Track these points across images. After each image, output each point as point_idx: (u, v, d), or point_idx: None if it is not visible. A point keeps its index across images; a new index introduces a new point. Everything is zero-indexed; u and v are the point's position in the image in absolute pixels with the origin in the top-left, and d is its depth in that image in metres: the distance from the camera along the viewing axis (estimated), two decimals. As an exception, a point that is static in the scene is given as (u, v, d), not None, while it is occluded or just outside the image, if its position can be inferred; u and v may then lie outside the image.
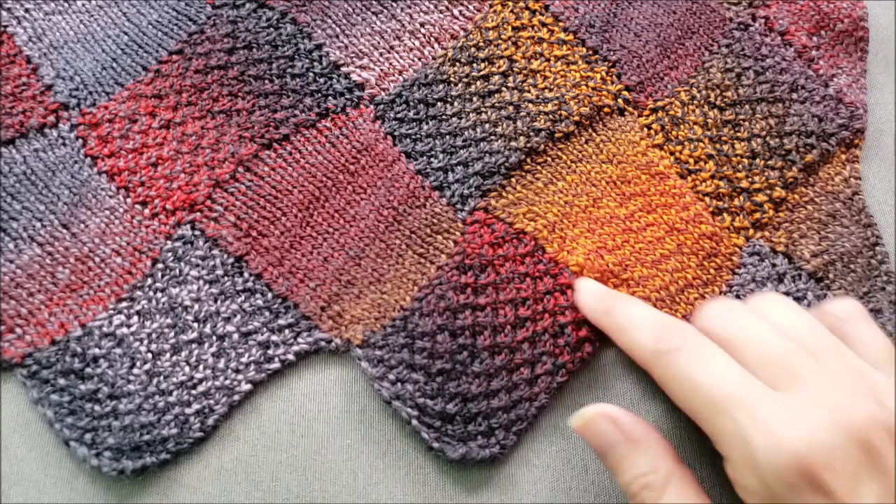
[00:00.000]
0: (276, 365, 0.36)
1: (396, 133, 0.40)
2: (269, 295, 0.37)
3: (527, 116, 0.40)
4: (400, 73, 0.41)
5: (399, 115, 0.40)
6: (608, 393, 0.37)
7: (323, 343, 0.37)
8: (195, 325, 0.36)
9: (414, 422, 0.35)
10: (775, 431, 0.28)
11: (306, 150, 0.39)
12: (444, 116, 0.40)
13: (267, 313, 0.37)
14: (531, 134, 0.40)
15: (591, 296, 0.36)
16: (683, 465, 0.31)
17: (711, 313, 0.33)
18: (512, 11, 0.42)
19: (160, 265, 0.37)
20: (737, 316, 0.33)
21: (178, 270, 0.37)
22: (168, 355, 0.35)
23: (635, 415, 0.32)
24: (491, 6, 0.42)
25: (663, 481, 0.30)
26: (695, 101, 0.42)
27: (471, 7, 0.42)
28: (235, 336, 0.36)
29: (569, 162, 0.40)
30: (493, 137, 0.40)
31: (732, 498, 0.31)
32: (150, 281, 0.37)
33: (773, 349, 0.31)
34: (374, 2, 0.42)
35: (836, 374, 0.30)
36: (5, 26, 0.40)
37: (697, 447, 0.36)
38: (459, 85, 0.41)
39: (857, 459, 0.28)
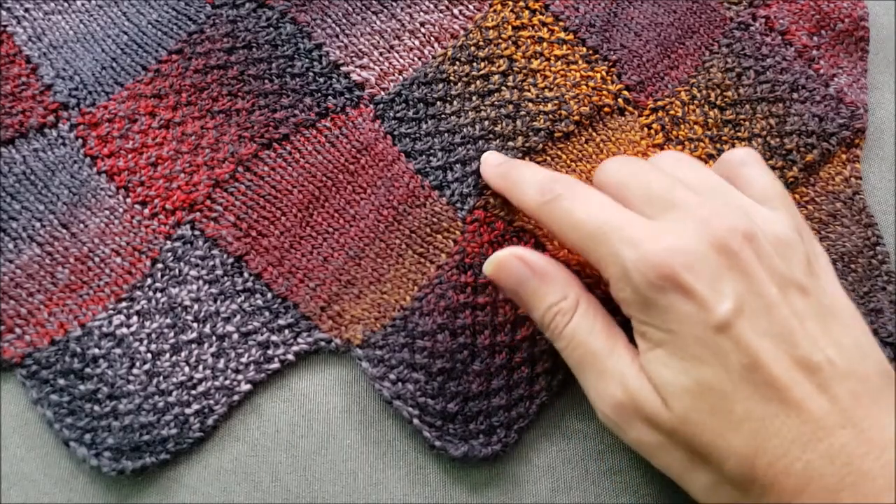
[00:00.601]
0: (275, 365, 0.36)
1: (396, 132, 0.40)
2: (269, 295, 0.37)
3: (526, 116, 0.40)
4: (400, 72, 0.41)
5: (399, 115, 0.40)
6: (609, 393, 0.37)
7: (323, 343, 0.36)
8: (195, 325, 0.36)
9: (415, 421, 0.35)
10: (641, 243, 0.30)
11: (306, 149, 0.39)
12: (443, 115, 0.40)
13: (267, 313, 0.37)
14: (530, 133, 0.40)
15: (491, 165, 0.38)
16: (589, 293, 0.34)
17: (605, 166, 0.35)
18: (512, 11, 0.42)
19: (160, 265, 0.37)
20: (627, 165, 0.34)
21: (177, 270, 0.37)
22: (168, 355, 0.35)
23: (538, 252, 0.34)
24: (491, 6, 0.42)
25: (572, 306, 0.33)
26: (695, 101, 0.42)
27: (471, 6, 0.42)
28: (235, 336, 0.36)
29: (569, 161, 0.40)
30: (492, 136, 0.40)
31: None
32: (149, 281, 0.37)
33: (655, 186, 0.33)
34: (374, 1, 0.42)
35: (713, 202, 0.32)
36: (5, 26, 0.40)
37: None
38: (459, 84, 0.41)
39: (716, 262, 0.30)
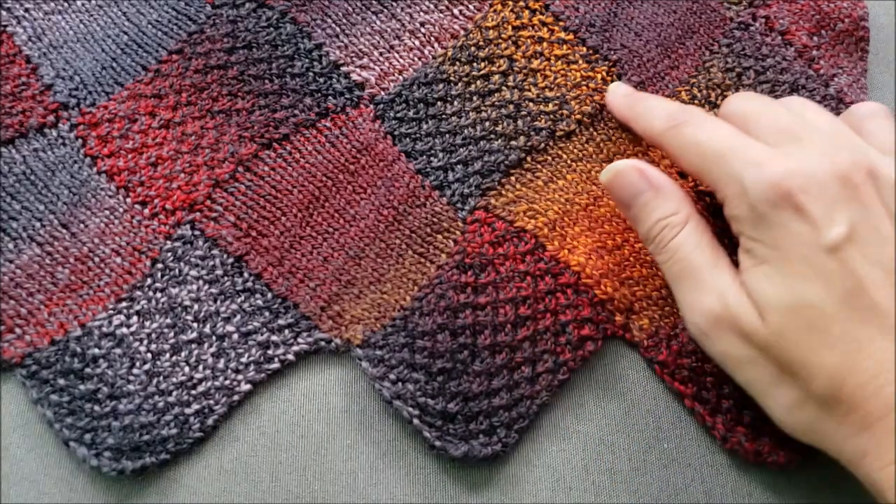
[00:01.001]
0: (275, 365, 0.36)
1: (396, 132, 0.40)
2: (269, 295, 0.37)
3: (527, 116, 0.40)
4: (400, 72, 0.41)
5: (399, 115, 0.40)
6: (608, 392, 0.37)
7: (323, 343, 0.36)
8: (195, 325, 0.36)
9: (415, 421, 0.35)
10: (762, 164, 0.31)
11: (306, 149, 0.39)
12: (443, 115, 0.40)
13: (267, 313, 0.37)
14: (531, 133, 0.40)
15: (618, 94, 0.40)
16: (702, 214, 0.35)
17: (733, 99, 0.36)
18: (512, 11, 0.42)
19: (160, 265, 0.37)
20: (755, 100, 0.35)
21: (177, 270, 0.37)
22: (168, 355, 0.35)
23: (659, 170, 0.35)
24: (491, 5, 0.42)
25: (682, 220, 0.34)
26: (696, 101, 0.42)
27: (471, 6, 0.42)
28: (235, 336, 0.36)
29: (569, 161, 0.40)
30: (493, 136, 0.40)
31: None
32: (149, 281, 0.37)
33: (783, 120, 0.33)
34: (374, 1, 0.42)
35: (832, 139, 0.32)
36: (5, 26, 0.40)
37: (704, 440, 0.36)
38: (459, 84, 0.41)
39: (835, 190, 0.30)
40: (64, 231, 0.37)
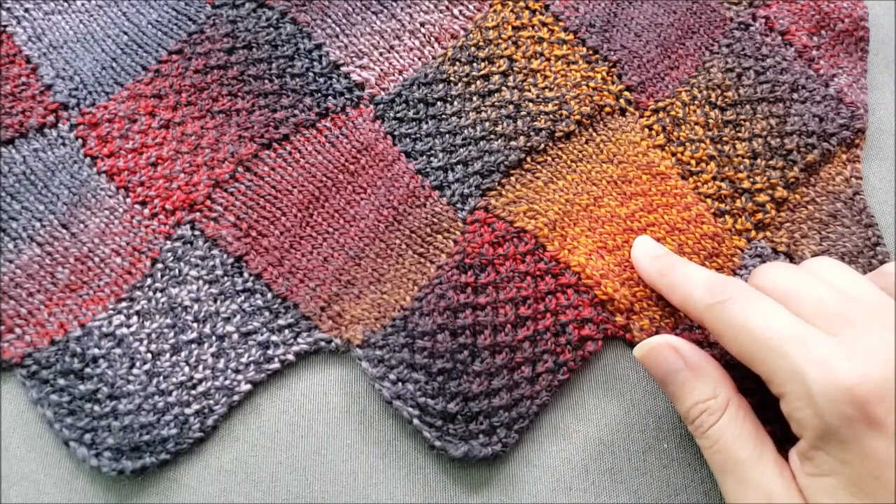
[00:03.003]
0: (275, 365, 0.36)
1: (396, 132, 0.40)
2: (269, 295, 0.37)
3: (527, 116, 0.40)
4: (400, 72, 0.41)
5: (399, 115, 0.40)
6: (608, 393, 0.37)
7: (323, 343, 0.36)
8: (195, 325, 0.36)
9: (415, 421, 0.35)
10: (830, 365, 0.28)
11: (306, 149, 0.39)
12: (443, 116, 0.40)
13: (267, 313, 0.37)
14: (531, 133, 0.40)
15: (647, 256, 0.37)
16: (740, 395, 0.32)
17: (766, 272, 0.34)
18: (512, 11, 0.42)
19: (160, 265, 0.37)
20: (791, 273, 0.33)
21: (177, 270, 0.37)
22: (168, 355, 0.35)
23: (693, 345, 0.33)
24: (491, 6, 0.42)
25: (722, 406, 0.32)
26: (696, 102, 0.42)
27: (471, 7, 0.42)
28: (235, 336, 0.36)
29: (569, 161, 0.40)
30: (492, 136, 0.40)
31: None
32: (149, 281, 0.37)
33: (827, 301, 0.31)
34: (374, 1, 0.42)
35: (882, 320, 0.30)
36: (5, 26, 0.40)
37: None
38: (459, 84, 0.41)
39: None
40: (64, 231, 0.37)
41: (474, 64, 0.41)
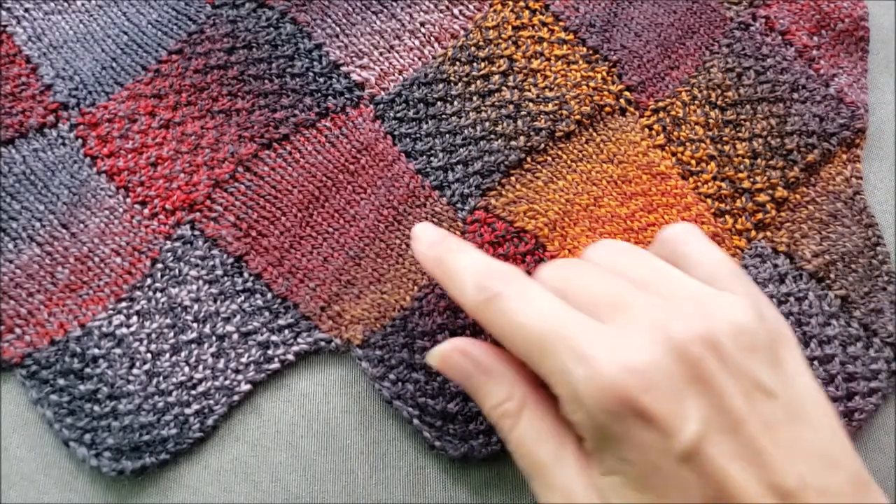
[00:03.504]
0: (275, 365, 0.36)
1: (396, 132, 0.40)
2: (269, 295, 0.37)
3: (527, 116, 0.40)
4: (400, 72, 0.41)
5: (399, 115, 0.40)
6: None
7: (323, 343, 0.36)
8: (195, 325, 0.36)
9: (415, 421, 0.35)
10: (593, 361, 0.26)
11: (306, 149, 0.39)
12: (443, 116, 0.40)
13: (267, 313, 0.37)
14: (531, 133, 0.40)
15: (424, 242, 0.33)
16: (539, 389, 0.30)
17: (542, 273, 0.31)
18: (512, 11, 0.42)
19: (160, 265, 0.37)
20: (568, 264, 0.31)
21: (177, 270, 0.37)
22: (167, 355, 0.35)
23: (486, 344, 0.31)
24: (491, 5, 0.42)
25: (517, 408, 0.29)
26: (696, 102, 0.42)
27: (471, 6, 0.42)
28: (235, 336, 0.36)
29: (569, 161, 0.40)
30: (493, 136, 0.40)
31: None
32: (149, 281, 0.37)
33: (597, 286, 0.29)
34: (374, 1, 0.42)
35: (661, 296, 0.29)
36: (5, 26, 0.40)
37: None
38: (459, 84, 0.41)
39: (677, 376, 0.26)
40: (64, 231, 0.37)
41: (474, 64, 0.41)
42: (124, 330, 0.36)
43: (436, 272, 0.32)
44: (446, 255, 0.32)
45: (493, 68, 0.41)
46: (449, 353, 0.31)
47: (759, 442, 0.26)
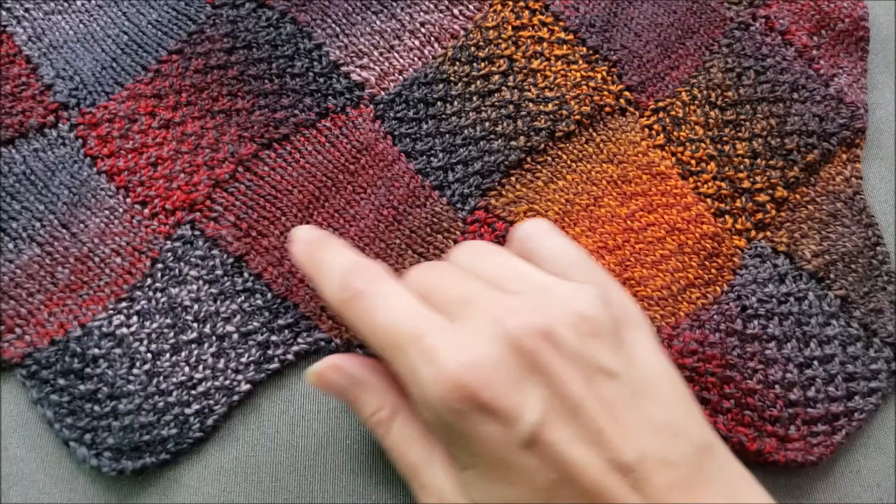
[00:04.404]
0: (275, 365, 0.36)
1: (396, 132, 0.40)
2: (269, 295, 0.37)
3: (527, 116, 0.40)
4: (400, 72, 0.41)
5: (399, 115, 0.40)
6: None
7: (323, 343, 0.36)
8: (195, 325, 0.36)
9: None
10: (437, 360, 0.27)
11: (306, 149, 0.39)
12: (443, 116, 0.40)
13: (266, 313, 0.37)
14: (531, 133, 0.40)
15: (300, 243, 0.33)
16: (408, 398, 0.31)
17: (409, 274, 0.32)
18: (512, 11, 0.42)
19: (160, 265, 0.37)
20: (429, 269, 0.32)
21: (177, 270, 0.37)
22: (168, 355, 0.35)
23: (361, 356, 0.32)
24: (491, 6, 0.42)
25: (389, 416, 0.31)
26: (696, 102, 0.42)
27: (471, 6, 0.42)
28: (235, 336, 0.36)
29: (569, 161, 0.40)
30: (492, 136, 0.40)
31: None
32: (149, 281, 0.37)
33: (453, 287, 0.30)
34: (374, 1, 0.42)
35: (510, 292, 0.30)
36: (5, 26, 0.40)
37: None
38: (459, 84, 0.41)
39: (515, 367, 0.27)
40: (64, 231, 0.37)
41: (474, 64, 0.41)
42: (124, 330, 0.36)
43: (307, 271, 0.32)
44: (317, 252, 0.32)
45: (493, 68, 0.41)
46: (323, 371, 0.32)
47: (598, 422, 0.27)
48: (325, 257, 0.32)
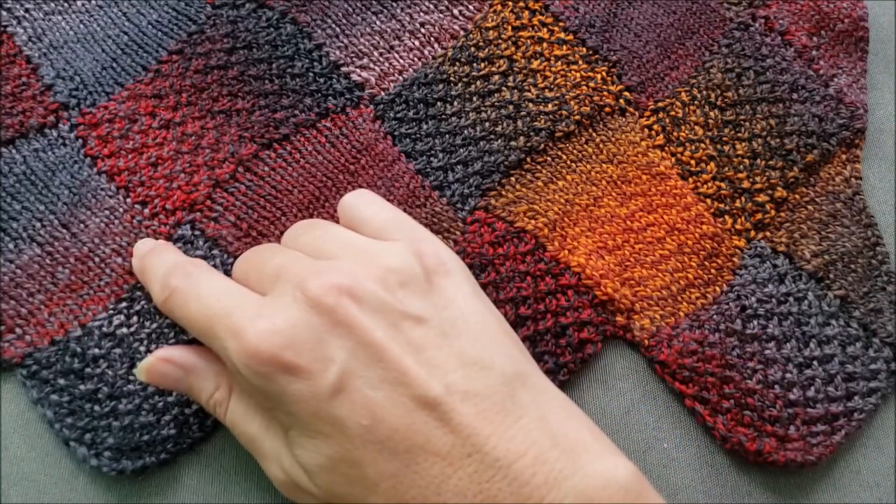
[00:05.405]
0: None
1: (396, 133, 0.40)
2: (269, 295, 0.37)
3: (527, 116, 0.40)
4: (400, 72, 0.41)
5: (399, 115, 0.40)
6: (608, 392, 0.37)
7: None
8: (195, 325, 0.36)
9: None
10: (241, 333, 0.29)
11: (306, 150, 0.39)
12: (443, 116, 0.40)
13: (267, 313, 0.37)
14: (531, 133, 0.40)
15: (136, 256, 0.35)
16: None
17: (236, 263, 0.34)
18: (512, 11, 0.42)
19: (160, 265, 0.37)
20: (250, 253, 0.34)
21: (178, 270, 0.37)
22: (168, 355, 0.35)
23: (187, 346, 0.33)
24: (491, 6, 0.43)
25: (225, 395, 0.32)
26: (695, 102, 0.42)
27: (471, 7, 0.42)
28: (235, 336, 0.36)
29: (569, 161, 0.40)
30: (492, 137, 0.40)
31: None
32: (149, 281, 0.37)
33: (268, 264, 0.32)
34: (374, 2, 0.42)
35: (327, 259, 0.31)
36: (5, 26, 0.40)
37: (699, 449, 0.36)
38: (459, 84, 0.41)
39: (318, 326, 0.29)
40: (64, 231, 0.37)
41: (474, 64, 0.41)
42: (125, 330, 0.36)
43: (142, 281, 0.35)
44: (145, 261, 0.34)
45: (493, 69, 0.41)
46: (153, 365, 0.32)
47: (402, 363, 0.28)
48: (151, 263, 0.34)
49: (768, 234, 0.40)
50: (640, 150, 0.41)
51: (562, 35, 0.42)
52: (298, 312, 0.29)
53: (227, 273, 0.35)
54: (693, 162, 0.40)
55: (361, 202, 0.34)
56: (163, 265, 0.33)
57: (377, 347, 0.28)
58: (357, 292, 0.29)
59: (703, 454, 0.36)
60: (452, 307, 0.30)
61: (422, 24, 0.42)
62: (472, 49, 0.42)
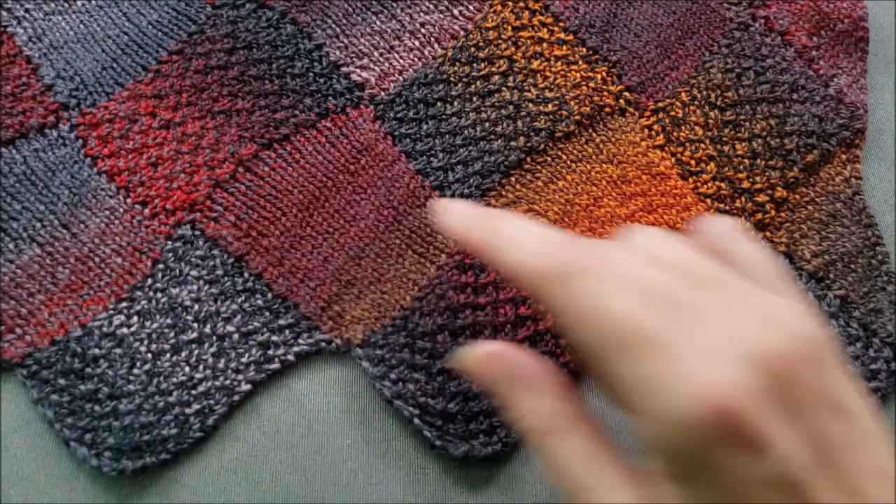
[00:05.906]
0: (276, 365, 0.36)
1: (396, 133, 0.40)
2: (269, 295, 0.37)
3: (527, 116, 0.40)
4: (400, 73, 0.41)
5: (399, 115, 0.40)
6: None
7: (323, 343, 0.36)
8: (195, 325, 0.36)
9: (416, 420, 0.35)
10: (692, 373, 0.23)
11: (306, 150, 0.39)
12: (443, 116, 0.40)
13: (267, 313, 0.37)
14: (531, 133, 0.40)
15: (460, 214, 0.28)
16: (580, 403, 0.27)
17: (607, 251, 0.27)
18: (512, 11, 0.42)
19: (160, 265, 0.37)
20: (631, 254, 0.27)
21: (178, 270, 0.37)
22: (168, 355, 0.35)
23: (530, 350, 0.29)
24: (491, 6, 0.43)
25: (565, 425, 0.27)
26: (695, 102, 0.42)
27: (471, 7, 0.42)
28: (235, 336, 0.36)
29: (569, 161, 0.40)
30: (492, 137, 0.40)
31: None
32: (150, 281, 0.37)
33: (675, 286, 0.25)
34: (374, 2, 0.42)
35: (730, 300, 0.25)
36: (5, 26, 0.40)
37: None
38: (459, 85, 0.41)
39: (769, 396, 0.23)
40: (64, 231, 0.37)
41: (474, 64, 0.41)
42: (125, 330, 0.36)
43: (485, 240, 0.28)
44: (499, 222, 0.28)
45: (493, 69, 0.41)
46: (484, 357, 0.28)
47: (845, 465, 0.24)
48: (512, 226, 0.27)
49: (768, 234, 0.40)
50: (640, 150, 0.41)
51: (562, 35, 0.42)
52: (750, 377, 0.23)
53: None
54: (693, 162, 0.40)
55: (741, 235, 0.29)
56: (534, 230, 0.27)
57: (820, 438, 0.24)
58: (802, 365, 0.24)
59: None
60: (852, 400, 0.25)
61: (422, 25, 0.42)
62: (472, 49, 0.42)
